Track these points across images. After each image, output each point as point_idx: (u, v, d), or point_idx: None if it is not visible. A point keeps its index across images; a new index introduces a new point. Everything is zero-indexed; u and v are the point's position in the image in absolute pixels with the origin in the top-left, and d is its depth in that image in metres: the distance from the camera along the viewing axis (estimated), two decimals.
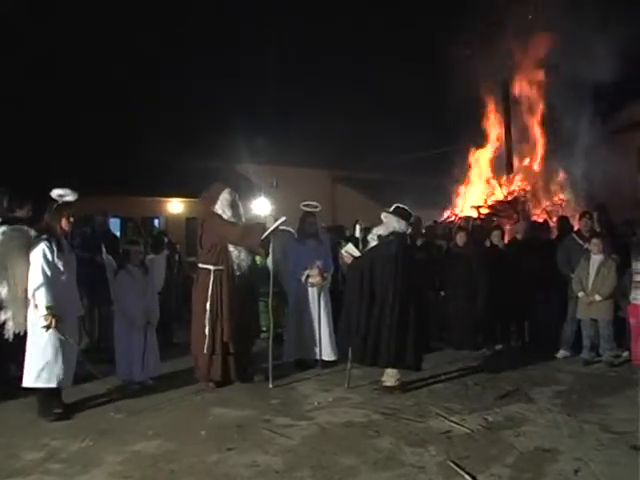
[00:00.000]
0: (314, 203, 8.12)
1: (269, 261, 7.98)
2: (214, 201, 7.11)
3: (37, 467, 4.87)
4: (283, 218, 7.14)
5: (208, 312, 6.92)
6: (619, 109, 17.53)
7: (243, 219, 7.24)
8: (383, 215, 6.99)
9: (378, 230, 6.96)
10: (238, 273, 7.05)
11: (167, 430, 5.61)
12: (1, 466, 4.92)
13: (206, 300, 6.94)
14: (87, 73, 22.05)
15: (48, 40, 21.00)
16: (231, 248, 7.02)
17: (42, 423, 5.82)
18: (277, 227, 7.03)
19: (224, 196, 7.10)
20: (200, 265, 7.16)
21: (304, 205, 8.13)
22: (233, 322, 6.90)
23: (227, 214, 7.05)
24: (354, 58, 24.23)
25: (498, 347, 9.02)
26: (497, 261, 9.02)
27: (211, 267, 7.02)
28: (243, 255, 7.06)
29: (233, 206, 7.10)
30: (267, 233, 6.94)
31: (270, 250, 7.40)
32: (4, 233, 5.88)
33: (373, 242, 7.01)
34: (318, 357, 7.88)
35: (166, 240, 10.63)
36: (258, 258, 8.26)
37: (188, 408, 6.31)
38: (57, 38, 21.22)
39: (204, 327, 6.91)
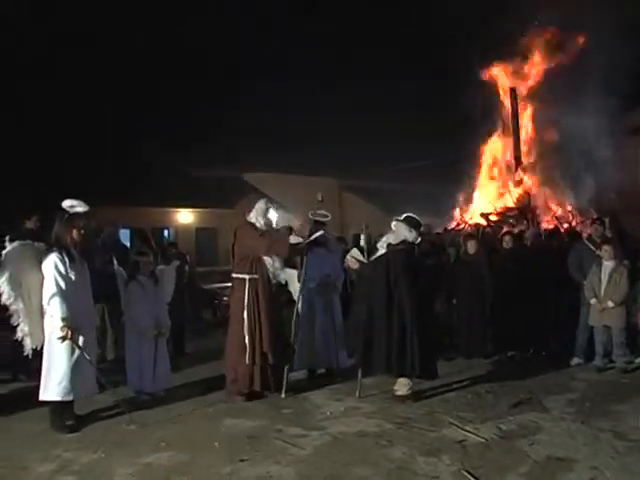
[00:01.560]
0: (324, 212, 8.10)
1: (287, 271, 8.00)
2: (249, 210, 7.14)
3: (48, 479, 4.86)
4: (321, 231, 7.21)
5: (246, 322, 6.85)
6: (629, 112, 17.44)
7: (275, 228, 7.16)
8: (394, 223, 6.99)
9: (388, 238, 6.95)
10: (274, 282, 7.06)
11: (179, 441, 5.60)
12: (12, 478, 4.93)
13: (243, 310, 6.89)
14: (94, 83, 22.23)
15: (48, 43, 21.17)
16: (265, 257, 7.00)
17: (54, 434, 5.83)
18: (314, 239, 7.07)
19: (259, 205, 7.11)
20: (234, 275, 7.11)
21: (312, 214, 8.11)
22: (272, 332, 6.87)
23: (260, 222, 7.01)
24: (362, 66, 24.32)
25: (510, 354, 8.96)
26: (508, 268, 8.97)
27: (246, 276, 6.97)
28: (277, 264, 7.03)
29: (266, 215, 7.07)
30: (304, 243, 7.06)
31: (304, 260, 7.39)
32: (15, 250, 5.89)
33: (382, 250, 6.99)
34: (330, 366, 7.86)
35: (174, 251, 10.65)
36: None
37: (200, 419, 6.30)
38: (57, 42, 21.40)
39: (243, 338, 6.83)
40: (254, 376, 6.89)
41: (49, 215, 6.30)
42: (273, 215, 7.15)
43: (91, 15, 22.77)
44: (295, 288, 8.21)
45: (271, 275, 7.02)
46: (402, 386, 6.76)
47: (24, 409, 6.39)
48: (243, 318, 6.87)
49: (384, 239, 7.03)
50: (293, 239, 7.08)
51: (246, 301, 6.90)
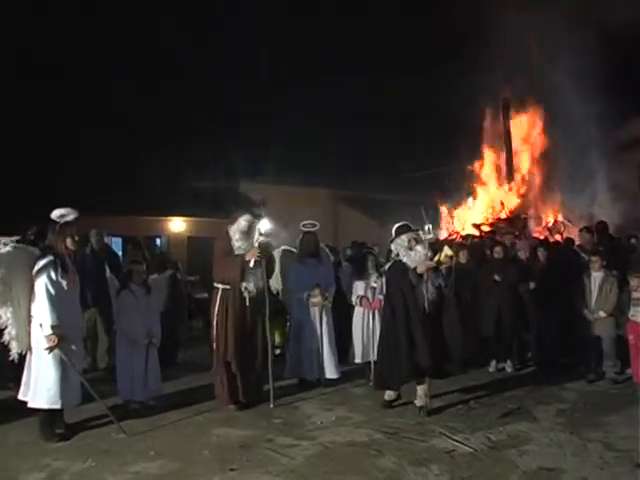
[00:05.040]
0: (312, 222, 8.17)
1: (272, 281, 8.01)
2: (233, 222, 7.14)
3: None
4: (261, 238, 7.17)
5: (214, 330, 7.00)
6: (620, 126, 17.58)
7: (254, 245, 7.08)
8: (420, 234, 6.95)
9: (422, 251, 6.84)
10: (245, 295, 7.03)
11: (169, 450, 5.60)
12: None
13: (213, 318, 7.04)
14: (88, 92, 22.17)
15: (49, 58, 21.12)
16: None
17: (43, 444, 5.79)
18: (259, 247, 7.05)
19: (241, 221, 7.09)
20: (214, 283, 7.19)
21: (302, 225, 8.19)
22: (237, 342, 6.88)
23: (236, 237, 7.05)
24: (356, 77, 24.38)
25: (501, 365, 8.98)
26: (500, 278, 9.00)
27: (220, 286, 7.07)
28: (252, 276, 7.04)
29: (245, 232, 7.06)
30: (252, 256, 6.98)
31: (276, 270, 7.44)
32: (8, 252, 5.89)
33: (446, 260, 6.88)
34: (320, 376, 7.87)
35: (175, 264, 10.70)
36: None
37: (190, 428, 6.28)
38: (59, 56, 21.36)
39: (212, 345, 7.05)
40: (223, 384, 6.99)
41: (43, 226, 6.28)
42: (255, 233, 7.13)
43: (92, 35, 22.70)
44: (287, 300, 8.26)
45: (243, 289, 7.02)
46: (421, 397, 6.77)
47: (13, 418, 6.35)
48: (213, 326, 7.03)
49: (420, 252, 6.81)
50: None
51: (216, 310, 7.02)
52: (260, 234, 7.20)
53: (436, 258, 6.76)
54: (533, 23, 17.15)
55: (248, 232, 7.09)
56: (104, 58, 22.85)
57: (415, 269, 6.69)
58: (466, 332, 8.86)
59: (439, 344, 6.67)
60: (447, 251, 6.74)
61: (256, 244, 7.04)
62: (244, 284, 6.98)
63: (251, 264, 6.95)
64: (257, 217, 7.32)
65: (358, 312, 8.42)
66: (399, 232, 6.96)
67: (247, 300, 7.01)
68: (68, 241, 6.01)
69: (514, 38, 16.90)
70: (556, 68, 16.17)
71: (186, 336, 10.68)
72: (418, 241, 6.84)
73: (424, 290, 6.65)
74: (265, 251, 7.12)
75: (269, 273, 7.26)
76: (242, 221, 7.09)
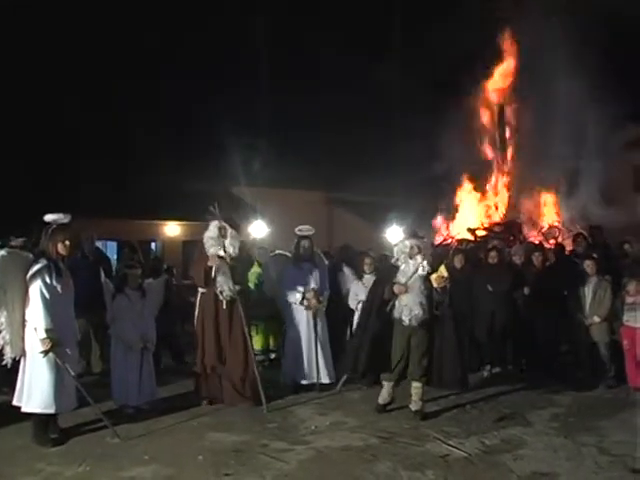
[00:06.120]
0: (307, 227, 8.19)
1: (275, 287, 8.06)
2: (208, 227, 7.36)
3: None
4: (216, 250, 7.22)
5: (196, 332, 7.37)
6: (616, 129, 17.60)
7: (227, 251, 7.22)
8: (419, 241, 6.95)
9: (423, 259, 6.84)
10: (221, 298, 7.15)
11: (164, 455, 5.58)
12: None
13: (195, 321, 7.42)
14: (85, 96, 22.16)
15: (49, 59, 21.11)
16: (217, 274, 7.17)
17: (37, 448, 5.76)
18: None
19: (210, 227, 7.29)
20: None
21: (298, 230, 8.21)
22: (211, 344, 7.14)
23: (207, 244, 7.24)
24: (351, 80, 24.40)
25: (495, 370, 8.98)
26: (495, 283, 9.01)
27: (200, 290, 7.38)
28: (223, 281, 7.13)
29: (215, 238, 7.22)
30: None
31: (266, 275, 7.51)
32: (2, 257, 5.87)
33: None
34: (315, 380, 7.86)
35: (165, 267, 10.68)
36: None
37: (185, 433, 6.27)
38: (59, 57, 21.35)
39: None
40: (199, 383, 7.34)
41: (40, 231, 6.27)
42: (223, 238, 7.24)
43: (92, 35, 22.69)
44: (282, 304, 8.26)
45: (218, 292, 7.15)
46: (416, 402, 6.79)
47: (6, 423, 6.30)
48: (195, 328, 7.42)
49: (423, 263, 6.78)
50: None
51: (196, 312, 7.40)
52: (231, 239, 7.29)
53: (432, 277, 6.72)
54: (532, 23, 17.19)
55: (218, 237, 7.23)
56: (104, 58, 22.84)
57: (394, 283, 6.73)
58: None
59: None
60: (442, 272, 6.69)
61: (220, 251, 7.16)
62: (218, 288, 7.11)
63: (213, 271, 7.10)
64: (212, 216, 7.35)
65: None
66: (404, 237, 6.99)
67: (224, 304, 7.16)
68: (59, 246, 5.99)
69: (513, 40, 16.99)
70: (554, 68, 16.18)
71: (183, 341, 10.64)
72: (420, 250, 6.83)
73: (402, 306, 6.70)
74: (221, 257, 7.18)
75: (236, 278, 7.27)
76: (211, 227, 7.30)
